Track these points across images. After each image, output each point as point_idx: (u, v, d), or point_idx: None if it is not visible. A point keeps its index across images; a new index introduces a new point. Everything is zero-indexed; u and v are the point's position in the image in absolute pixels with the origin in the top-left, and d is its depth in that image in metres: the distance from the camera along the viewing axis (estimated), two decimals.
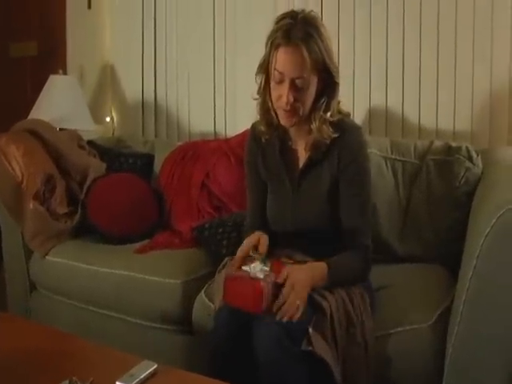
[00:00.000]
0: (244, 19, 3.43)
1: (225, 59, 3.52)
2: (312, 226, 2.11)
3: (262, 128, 2.13)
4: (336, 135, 2.04)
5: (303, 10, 2.01)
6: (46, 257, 2.83)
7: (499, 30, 2.78)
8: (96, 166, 3.12)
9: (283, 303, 1.84)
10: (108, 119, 3.96)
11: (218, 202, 3.00)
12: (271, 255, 2.02)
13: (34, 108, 3.51)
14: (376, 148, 2.65)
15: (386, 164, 2.67)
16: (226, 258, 2.29)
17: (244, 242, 2.04)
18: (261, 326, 1.83)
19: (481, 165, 2.54)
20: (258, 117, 2.15)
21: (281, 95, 1.99)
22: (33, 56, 3.94)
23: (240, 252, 2.00)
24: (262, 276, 1.84)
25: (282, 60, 1.95)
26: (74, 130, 3.33)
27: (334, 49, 2.07)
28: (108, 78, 3.97)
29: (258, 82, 2.08)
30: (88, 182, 3.01)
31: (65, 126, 3.41)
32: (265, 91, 2.07)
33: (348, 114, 2.15)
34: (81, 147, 3.18)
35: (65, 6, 3.76)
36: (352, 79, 3.09)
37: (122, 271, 2.60)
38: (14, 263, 2.97)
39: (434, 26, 2.91)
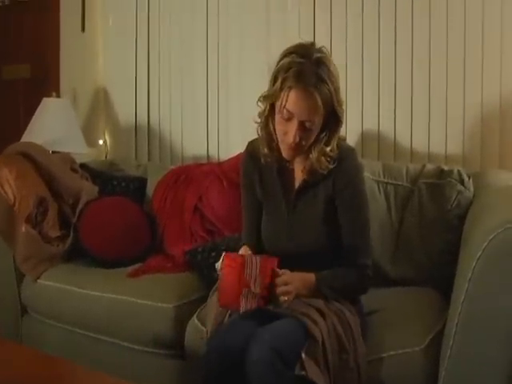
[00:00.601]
0: (238, 43, 3.45)
1: (218, 83, 3.54)
2: (307, 246, 2.11)
3: (265, 150, 2.14)
4: (333, 166, 2.07)
5: (313, 45, 2.02)
6: (38, 280, 2.81)
7: (489, 55, 2.81)
8: (88, 190, 3.12)
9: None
10: (101, 142, 3.96)
11: (211, 226, 2.99)
12: None
13: (27, 131, 3.51)
14: (368, 172, 2.66)
15: (379, 187, 2.68)
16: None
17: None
18: (254, 351, 1.82)
19: (472, 188, 2.55)
20: (259, 138, 2.15)
21: (287, 132, 2.00)
22: (26, 78, 3.96)
23: None
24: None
25: (294, 102, 1.96)
26: (66, 153, 3.33)
27: None
28: (101, 101, 3.98)
29: (262, 107, 2.09)
30: (80, 206, 3.00)
31: (58, 149, 3.41)
32: (268, 118, 2.09)
33: (343, 139, 2.17)
34: (73, 170, 3.18)
35: (58, 28, 3.78)
36: (345, 103, 3.10)
37: (115, 295, 2.59)
38: (6, 287, 2.94)
39: (426, 51, 2.94)
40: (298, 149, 2.04)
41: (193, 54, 3.60)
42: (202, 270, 2.67)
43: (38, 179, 2.96)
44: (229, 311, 2.06)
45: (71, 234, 2.94)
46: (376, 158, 3.06)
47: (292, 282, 1.96)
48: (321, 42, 2.13)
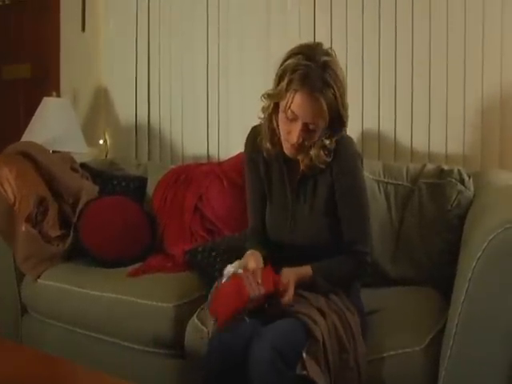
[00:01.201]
0: (238, 43, 3.45)
1: (218, 82, 3.55)
2: (309, 238, 2.12)
3: (268, 145, 2.14)
4: (330, 159, 2.07)
5: (320, 46, 2.01)
6: (38, 280, 2.81)
7: (489, 55, 2.81)
8: (89, 189, 3.12)
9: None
10: (101, 142, 3.97)
11: (211, 226, 2.99)
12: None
13: (27, 130, 3.51)
14: (369, 171, 2.66)
15: (379, 187, 2.69)
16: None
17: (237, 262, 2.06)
18: (255, 350, 1.82)
19: (472, 188, 2.55)
20: (262, 133, 2.16)
21: (290, 131, 2.01)
22: (26, 78, 3.96)
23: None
24: (232, 269, 1.96)
25: (298, 105, 1.96)
26: (67, 153, 3.33)
27: None
28: (101, 101, 3.98)
29: (266, 103, 2.09)
30: (80, 205, 3.00)
31: (58, 149, 3.41)
32: (272, 115, 2.09)
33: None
34: (74, 170, 3.18)
35: (59, 28, 3.78)
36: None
37: (115, 294, 2.58)
38: (6, 286, 2.94)
39: (426, 51, 2.94)
40: (301, 148, 2.05)
41: (193, 53, 3.61)
42: (202, 269, 2.66)
43: (38, 179, 2.96)
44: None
45: (71, 233, 2.94)
46: (376, 158, 3.06)
47: (289, 279, 1.97)
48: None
